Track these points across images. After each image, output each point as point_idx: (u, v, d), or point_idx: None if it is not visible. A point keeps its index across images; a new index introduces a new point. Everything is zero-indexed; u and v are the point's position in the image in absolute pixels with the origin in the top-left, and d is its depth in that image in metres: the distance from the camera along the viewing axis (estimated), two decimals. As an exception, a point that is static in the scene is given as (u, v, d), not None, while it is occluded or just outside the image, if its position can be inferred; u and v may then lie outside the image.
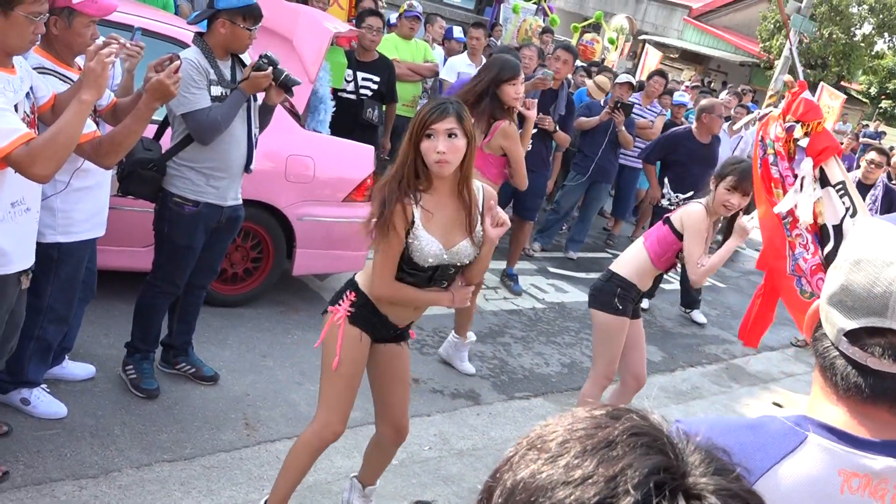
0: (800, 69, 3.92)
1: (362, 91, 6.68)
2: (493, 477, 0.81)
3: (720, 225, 4.39)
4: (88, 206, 3.61)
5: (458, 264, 3.02)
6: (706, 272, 4.01)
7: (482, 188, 3.09)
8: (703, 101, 8.06)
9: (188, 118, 3.82)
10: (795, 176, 3.40)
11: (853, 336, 1.14)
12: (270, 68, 3.85)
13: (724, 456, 0.78)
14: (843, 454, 1.13)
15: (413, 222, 2.89)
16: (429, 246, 2.91)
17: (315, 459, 3.19)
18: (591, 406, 0.83)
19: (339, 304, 3.06)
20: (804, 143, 3.27)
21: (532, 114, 4.91)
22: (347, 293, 3.07)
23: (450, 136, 2.85)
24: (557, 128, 6.97)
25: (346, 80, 6.57)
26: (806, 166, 3.25)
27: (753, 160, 3.75)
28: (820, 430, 1.15)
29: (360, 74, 6.67)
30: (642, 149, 8.35)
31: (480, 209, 3.04)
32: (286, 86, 3.95)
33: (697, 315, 7.85)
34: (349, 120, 6.50)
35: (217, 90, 3.87)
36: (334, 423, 3.11)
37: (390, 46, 7.37)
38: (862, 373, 1.13)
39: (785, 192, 3.45)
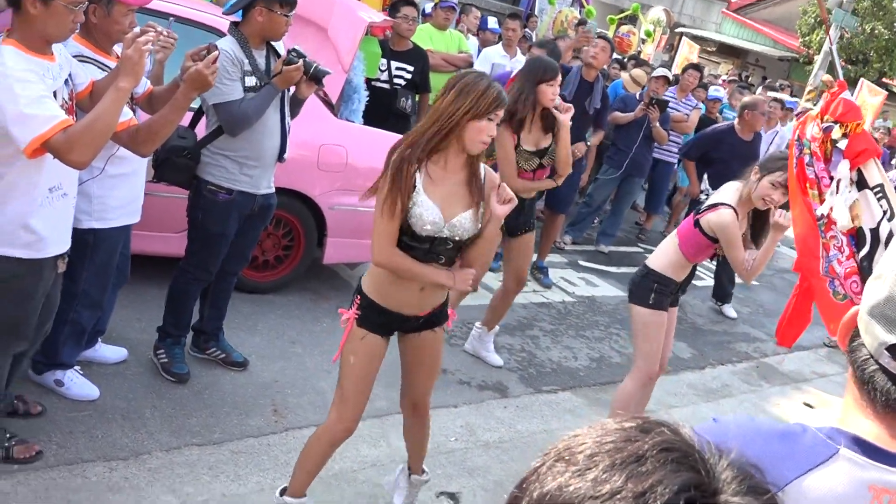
0: (839, 68, 3.83)
1: (396, 80, 6.64)
2: (519, 488, 0.80)
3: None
4: (124, 192, 3.65)
5: (457, 239, 2.98)
6: (755, 271, 3.99)
7: (485, 169, 3.09)
8: (747, 98, 7.98)
9: (219, 109, 3.85)
10: (832, 178, 3.33)
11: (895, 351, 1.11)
12: (301, 61, 3.87)
13: (756, 473, 0.76)
14: (874, 470, 1.10)
15: (415, 187, 2.88)
16: (428, 212, 2.88)
17: (330, 454, 3.21)
18: (621, 417, 0.81)
19: (350, 308, 3.10)
20: (842, 144, 3.20)
21: (567, 118, 4.87)
22: (355, 297, 3.09)
23: (497, 122, 2.93)
24: (591, 128, 6.93)
25: (379, 70, 6.53)
26: (843, 168, 3.18)
27: (789, 159, 3.68)
28: (852, 445, 1.12)
29: (393, 64, 6.63)
30: (682, 144, 8.27)
31: (482, 184, 3.03)
32: (317, 78, 3.97)
33: (728, 310, 7.78)
34: (382, 109, 6.44)
35: (251, 80, 3.89)
36: (345, 421, 3.12)
37: (425, 37, 7.33)
38: None
39: (820, 192, 3.38)
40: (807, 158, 3.38)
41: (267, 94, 3.91)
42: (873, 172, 3.12)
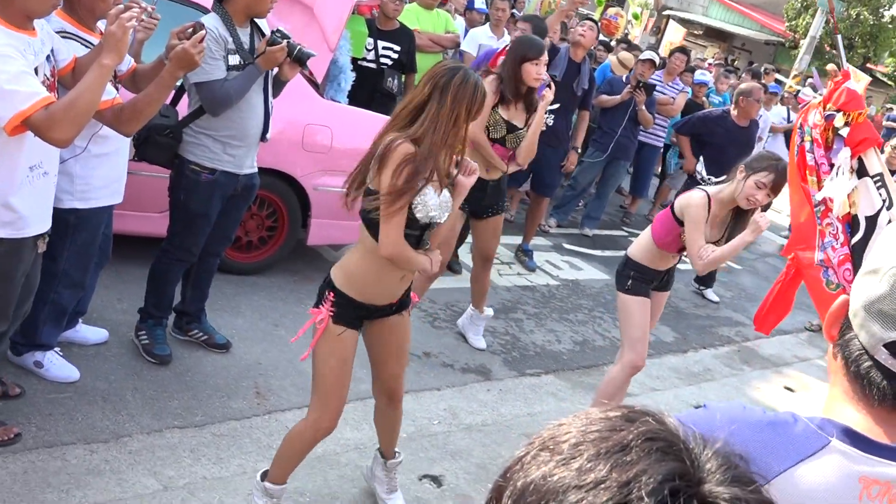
0: (843, 59, 3.83)
1: (382, 60, 6.60)
2: (503, 476, 0.80)
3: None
4: (106, 172, 3.60)
5: (439, 221, 3.01)
6: (708, 264, 3.92)
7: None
8: (743, 85, 7.99)
9: (201, 88, 3.80)
10: (832, 165, 3.35)
11: (894, 347, 1.11)
12: (285, 42, 3.82)
13: (741, 463, 0.77)
14: (865, 461, 1.11)
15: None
16: (432, 199, 2.91)
17: (310, 449, 3.19)
18: (606, 406, 0.81)
19: (322, 306, 3.02)
20: (844, 132, 3.22)
21: (549, 96, 4.83)
22: (327, 293, 3.02)
23: None
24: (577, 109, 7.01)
25: (366, 49, 6.50)
26: (844, 156, 3.20)
27: (790, 147, 3.69)
28: (843, 436, 1.13)
29: (380, 43, 6.59)
30: (673, 123, 8.28)
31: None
32: (300, 60, 3.93)
33: (710, 294, 7.83)
34: (369, 89, 6.43)
35: (235, 59, 3.84)
36: (324, 421, 3.10)
37: (411, 16, 7.27)
38: None
39: (819, 179, 3.39)
40: (808, 145, 3.40)
41: (249, 74, 3.86)
42: (873, 161, 3.14)
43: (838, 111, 3.26)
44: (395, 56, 6.65)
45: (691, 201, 3.95)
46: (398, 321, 3.22)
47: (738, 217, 4.06)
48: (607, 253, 8.24)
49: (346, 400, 3.15)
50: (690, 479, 0.71)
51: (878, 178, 3.13)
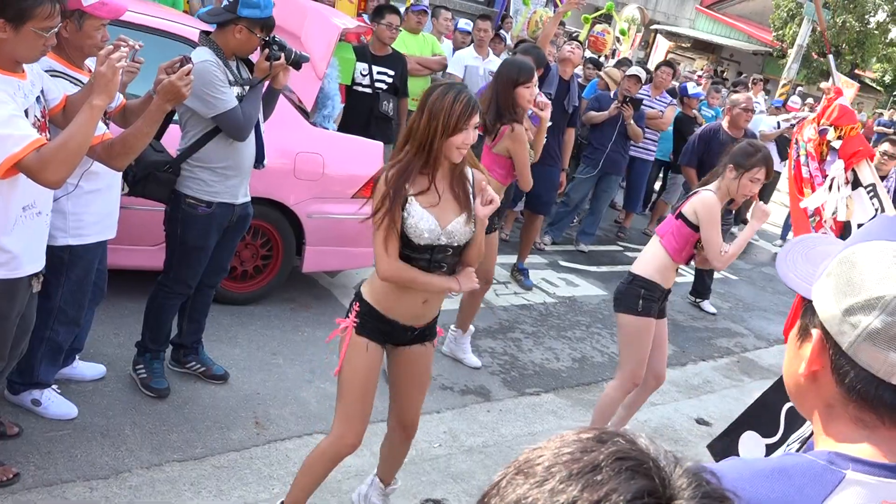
0: (835, 77, 3.98)
1: (377, 84, 6.77)
2: (481, 501, 0.82)
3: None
4: (99, 208, 3.62)
5: (455, 244, 3.02)
6: (730, 258, 4.07)
7: (472, 171, 3.11)
8: (733, 96, 8.04)
9: (223, 119, 3.80)
10: (825, 176, 3.43)
11: None
12: (282, 54, 3.86)
13: (713, 479, 0.78)
14: (884, 487, 1.10)
15: (406, 199, 2.92)
16: (422, 221, 2.92)
17: (331, 469, 3.19)
18: (579, 429, 0.83)
19: (349, 316, 3.09)
20: (837, 145, 3.32)
21: (546, 114, 4.92)
22: (354, 304, 3.10)
23: (475, 128, 2.96)
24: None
25: (361, 74, 6.69)
26: (837, 168, 3.29)
27: (788, 161, 3.82)
28: (858, 466, 1.11)
29: (375, 68, 6.75)
30: (682, 152, 8.31)
31: (472, 190, 3.07)
32: (297, 64, 3.97)
33: (707, 305, 7.83)
34: (365, 112, 6.64)
35: (236, 90, 3.87)
36: (349, 437, 3.10)
37: (398, 41, 7.35)
38: None
39: (813, 190, 3.48)
40: (802, 158, 3.50)
41: (257, 93, 3.91)
42: (866, 172, 3.22)
43: (831, 126, 3.36)
44: (390, 80, 6.82)
45: (706, 202, 4.04)
46: (421, 352, 3.22)
47: (728, 211, 4.19)
48: (603, 268, 8.26)
49: (369, 416, 3.15)
50: (660, 497, 0.73)
51: (871, 188, 3.21)
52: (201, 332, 4.40)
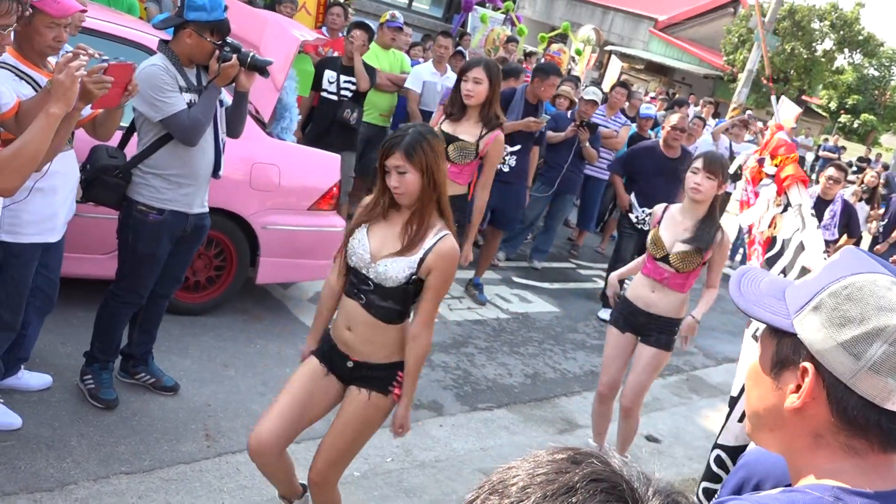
0: (777, 113, 4.30)
1: (343, 92, 7.07)
2: None
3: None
4: (39, 208, 3.46)
5: (377, 283, 2.93)
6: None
7: (441, 239, 2.94)
8: (670, 116, 8.16)
9: (170, 123, 3.76)
10: (757, 196, 3.62)
11: None
12: (234, 56, 3.82)
13: (683, 500, 0.80)
14: None
15: (359, 224, 3.04)
16: (358, 245, 2.99)
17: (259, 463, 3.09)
18: (553, 449, 0.84)
19: None
20: (771, 170, 3.53)
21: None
22: None
23: (399, 172, 2.88)
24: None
25: (329, 81, 7.06)
26: (769, 192, 3.48)
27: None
28: (860, 500, 1.13)
29: (343, 77, 7.08)
30: (610, 161, 8.46)
31: (429, 247, 2.92)
32: (256, 67, 3.90)
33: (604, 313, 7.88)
34: (329, 118, 7.01)
35: (188, 97, 3.83)
36: (257, 429, 2.99)
37: (371, 55, 7.45)
38: None
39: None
40: (743, 184, 3.75)
41: (210, 96, 3.86)
42: (795, 194, 3.41)
43: (769, 156, 3.59)
44: (354, 89, 7.10)
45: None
46: (354, 395, 3.05)
47: (704, 222, 4.44)
48: (556, 285, 8.33)
49: (279, 427, 2.98)
50: None
51: (797, 207, 3.42)
52: (152, 343, 4.34)
